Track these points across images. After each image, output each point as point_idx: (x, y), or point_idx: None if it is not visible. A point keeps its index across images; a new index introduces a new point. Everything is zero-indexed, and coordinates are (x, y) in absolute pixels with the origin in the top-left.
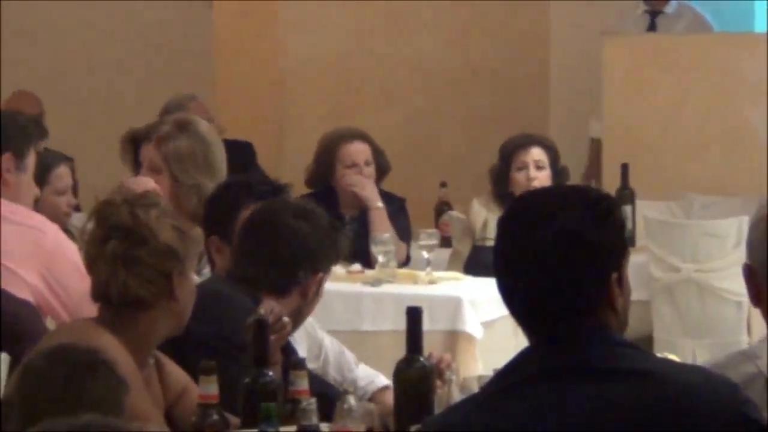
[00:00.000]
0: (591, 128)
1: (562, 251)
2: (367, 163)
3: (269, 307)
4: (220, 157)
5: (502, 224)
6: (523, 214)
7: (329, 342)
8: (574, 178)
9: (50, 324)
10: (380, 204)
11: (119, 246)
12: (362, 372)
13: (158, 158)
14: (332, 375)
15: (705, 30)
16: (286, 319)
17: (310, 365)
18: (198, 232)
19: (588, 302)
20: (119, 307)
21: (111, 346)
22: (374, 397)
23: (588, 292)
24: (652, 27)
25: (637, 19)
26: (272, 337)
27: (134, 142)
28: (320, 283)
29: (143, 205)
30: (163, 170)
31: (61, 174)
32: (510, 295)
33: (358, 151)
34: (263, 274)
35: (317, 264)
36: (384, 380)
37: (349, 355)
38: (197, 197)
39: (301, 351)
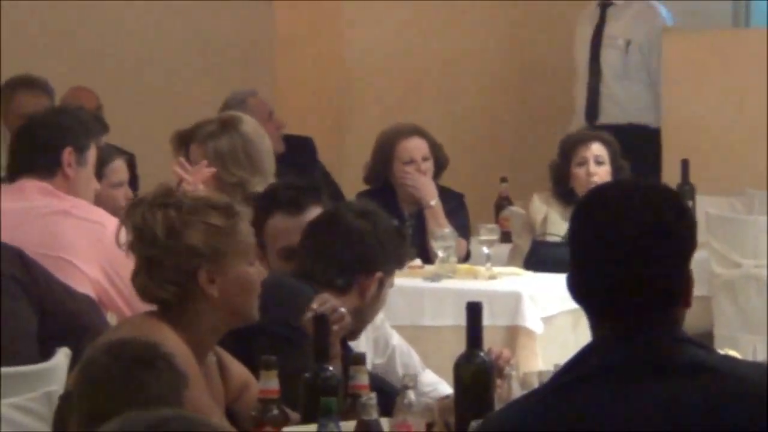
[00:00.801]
0: None
1: (650, 245)
2: (424, 159)
3: (322, 300)
4: (265, 152)
5: (582, 217)
6: (606, 206)
7: (398, 341)
8: None
9: (111, 319)
10: (433, 202)
11: (136, 247)
12: (427, 378)
13: (202, 158)
14: (398, 372)
15: (655, 21)
16: (342, 309)
17: (377, 360)
18: (243, 225)
19: (670, 296)
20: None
21: (170, 340)
22: None
23: (672, 286)
24: (602, 18)
25: (592, 12)
26: (335, 327)
27: (183, 142)
28: (380, 284)
29: (161, 205)
30: None
31: (117, 168)
32: (588, 288)
33: (416, 147)
34: (321, 271)
35: (376, 263)
36: (447, 388)
37: (417, 359)
38: (242, 194)
39: (362, 346)
